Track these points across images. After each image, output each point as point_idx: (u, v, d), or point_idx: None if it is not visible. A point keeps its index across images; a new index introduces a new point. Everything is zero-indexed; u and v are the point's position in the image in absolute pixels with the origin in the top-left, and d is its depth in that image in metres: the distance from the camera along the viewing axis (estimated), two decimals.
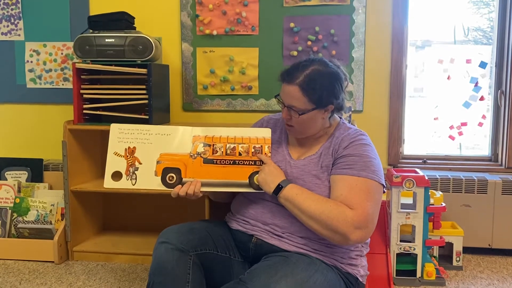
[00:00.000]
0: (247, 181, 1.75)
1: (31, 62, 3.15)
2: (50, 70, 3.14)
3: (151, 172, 1.76)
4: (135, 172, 1.76)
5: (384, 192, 1.73)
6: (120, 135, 1.79)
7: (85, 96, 2.72)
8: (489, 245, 2.75)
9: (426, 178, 2.38)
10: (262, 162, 1.75)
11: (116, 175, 1.76)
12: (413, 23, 2.96)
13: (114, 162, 1.77)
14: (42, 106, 3.18)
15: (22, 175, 3.02)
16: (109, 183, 1.76)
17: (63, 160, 2.69)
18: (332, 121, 1.82)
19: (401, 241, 2.41)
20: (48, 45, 3.12)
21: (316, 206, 1.60)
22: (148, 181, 1.75)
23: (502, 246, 2.75)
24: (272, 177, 1.68)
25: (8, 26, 3.14)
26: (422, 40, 3.10)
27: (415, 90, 3.26)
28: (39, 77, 3.15)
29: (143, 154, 1.77)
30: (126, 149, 1.78)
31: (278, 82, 1.78)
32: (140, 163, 1.77)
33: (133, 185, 1.75)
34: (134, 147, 1.78)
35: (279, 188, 1.66)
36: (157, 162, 1.76)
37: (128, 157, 1.77)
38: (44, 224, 2.73)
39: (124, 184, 1.75)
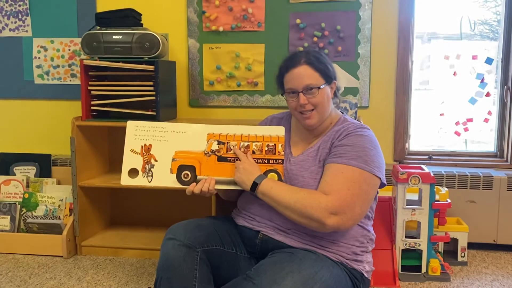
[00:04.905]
0: None
1: (39, 58, 3.17)
2: (58, 66, 3.16)
3: (167, 170, 1.77)
4: (151, 169, 1.77)
5: (385, 184, 1.73)
6: (137, 133, 1.80)
7: (93, 92, 2.74)
8: (494, 240, 2.76)
9: (432, 174, 2.38)
10: (276, 160, 1.76)
11: (133, 172, 1.78)
12: (419, 16, 2.95)
13: (130, 159, 1.78)
14: (50, 102, 3.21)
15: (31, 171, 3.05)
16: (126, 180, 1.78)
17: (71, 155, 2.71)
18: (334, 113, 1.85)
19: (406, 237, 2.43)
20: (56, 41, 3.14)
21: (290, 196, 1.63)
22: (164, 178, 1.77)
23: (507, 242, 2.76)
24: (247, 175, 1.70)
25: (15, 22, 3.16)
26: (428, 33, 3.08)
27: (421, 83, 3.24)
28: (47, 73, 3.17)
29: (159, 151, 1.78)
30: (142, 146, 1.79)
31: None
32: (156, 160, 1.78)
33: (149, 182, 1.77)
34: (150, 145, 1.79)
35: (255, 185, 1.68)
36: (173, 159, 1.77)
37: (144, 154, 1.78)
38: (53, 219, 2.76)
39: (140, 181, 1.77)
